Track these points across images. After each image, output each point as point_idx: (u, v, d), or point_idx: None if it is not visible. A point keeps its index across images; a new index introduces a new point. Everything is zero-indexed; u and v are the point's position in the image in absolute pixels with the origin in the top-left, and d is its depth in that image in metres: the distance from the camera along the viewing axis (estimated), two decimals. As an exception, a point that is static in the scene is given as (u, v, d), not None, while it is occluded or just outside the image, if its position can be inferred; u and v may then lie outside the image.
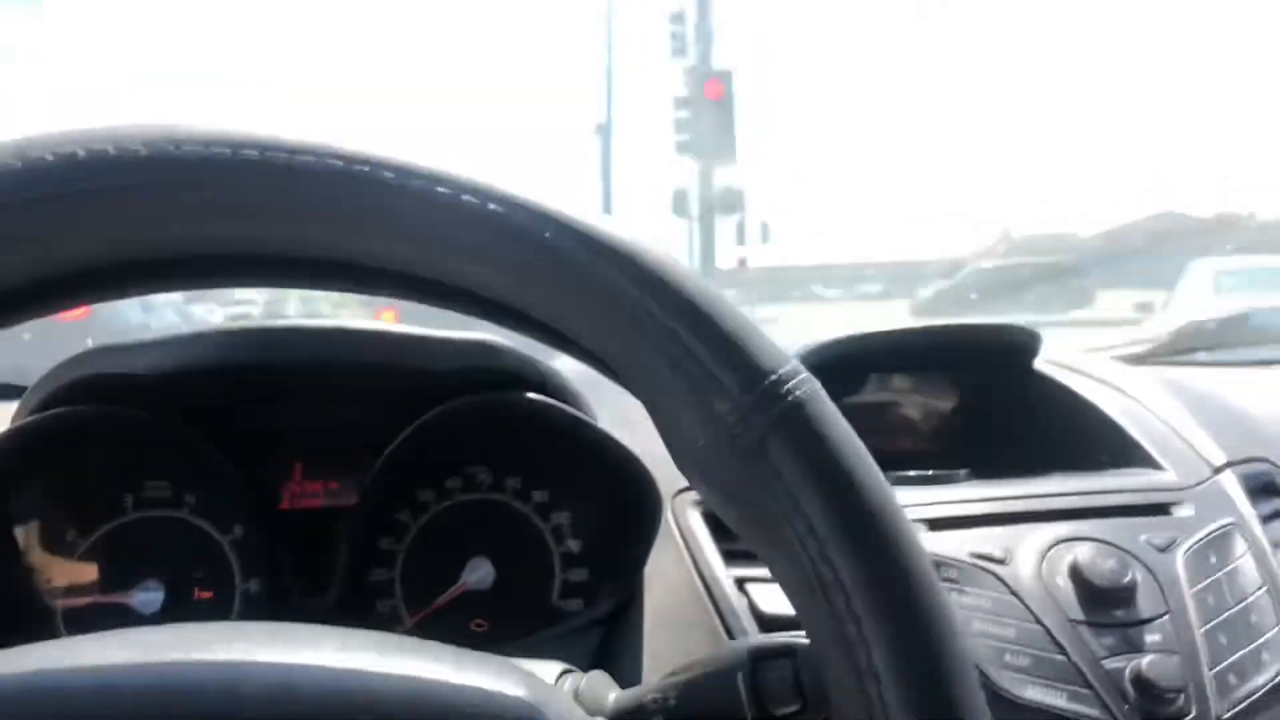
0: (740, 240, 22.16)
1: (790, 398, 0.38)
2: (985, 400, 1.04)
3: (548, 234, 0.37)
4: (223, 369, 0.73)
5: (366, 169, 0.35)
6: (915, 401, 1.06)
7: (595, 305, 0.38)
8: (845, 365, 0.99)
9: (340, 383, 0.76)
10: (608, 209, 28.42)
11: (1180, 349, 1.47)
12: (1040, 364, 1.02)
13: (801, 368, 0.39)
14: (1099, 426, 0.94)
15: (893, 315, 23.05)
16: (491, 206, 0.36)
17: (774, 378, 0.38)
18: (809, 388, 0.40)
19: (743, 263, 22.93)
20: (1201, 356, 1.44)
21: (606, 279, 0.37)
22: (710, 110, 12.84)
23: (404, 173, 0.36)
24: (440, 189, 0.36)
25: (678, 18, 14.52)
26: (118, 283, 0.37)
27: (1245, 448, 0.92)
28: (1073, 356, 1.11)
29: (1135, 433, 0.91)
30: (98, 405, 0.70)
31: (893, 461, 0.95)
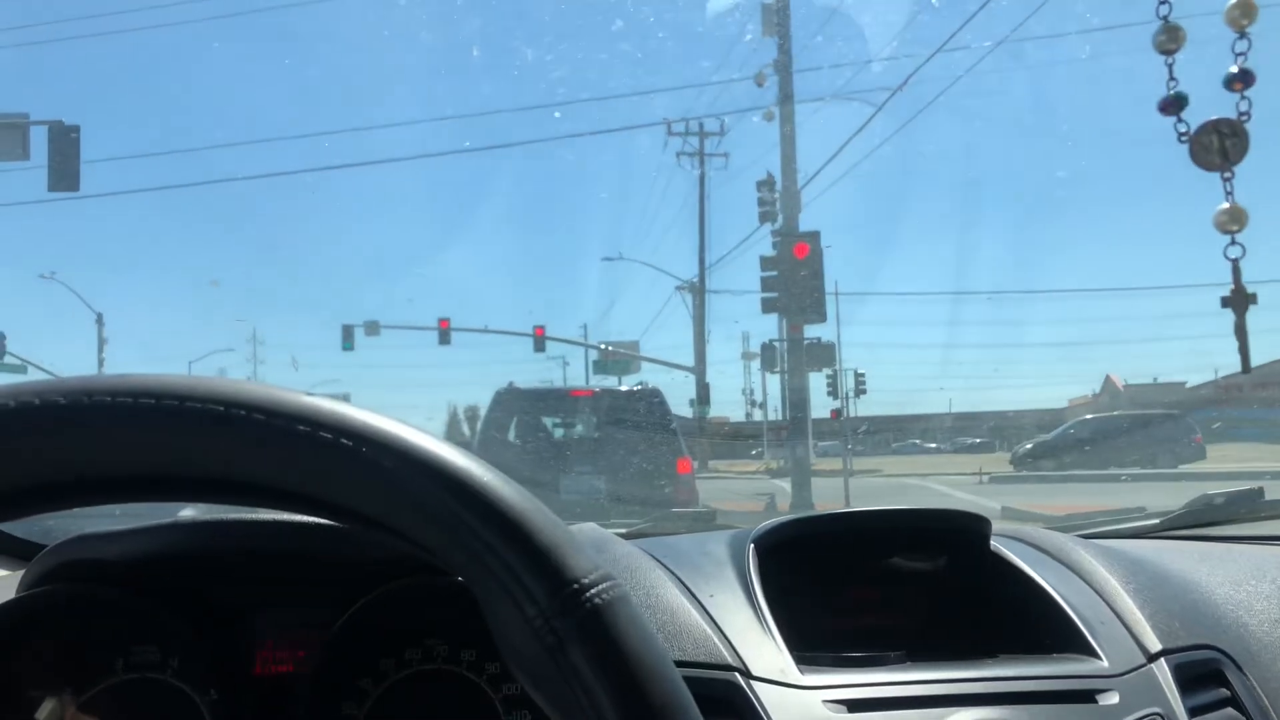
0: (834, 393, 22.02)
1: (590, 604, 0.47)
2: (942, 581, 1.08)
3: (387, 462, 0.48)
4: (191, 555, 0.86)
5: (242, 413, 0.47)
6: (876, 580, 1.11)
7: (429, 521, 0.48)
8: (804, 544, 1.05)
9: (303, 565, 0.87)
10: (701, 361, 28.63)
11: (1190, 523, 1.47)
12: (998, 544, 1.06)
13: (608, 576, 0.48)
14: (1045, 610, 0.97)
15: (993, 467, 22.33)
16: (344, 441, 0.47)
17: (576, 586, 0.47)
18: (611, 594, 0.48)
19: (837, 415, 22.68)
20: (1212, 531, 1.44)
21: (436, 500, 0.47)
22: (798, 269, 13.06)
23: (270, 413, 0.47)
24: (301, 426, 0.47)
25: (765, 184, 15.04)
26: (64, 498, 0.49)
27: (1193, 633, 0.94)
28: (1040, 534, 1.15)
29: (1077, 617, 0.95)
30: (84, 584, 0.83)
31: (849, 639, 1.00)
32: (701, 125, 29.16)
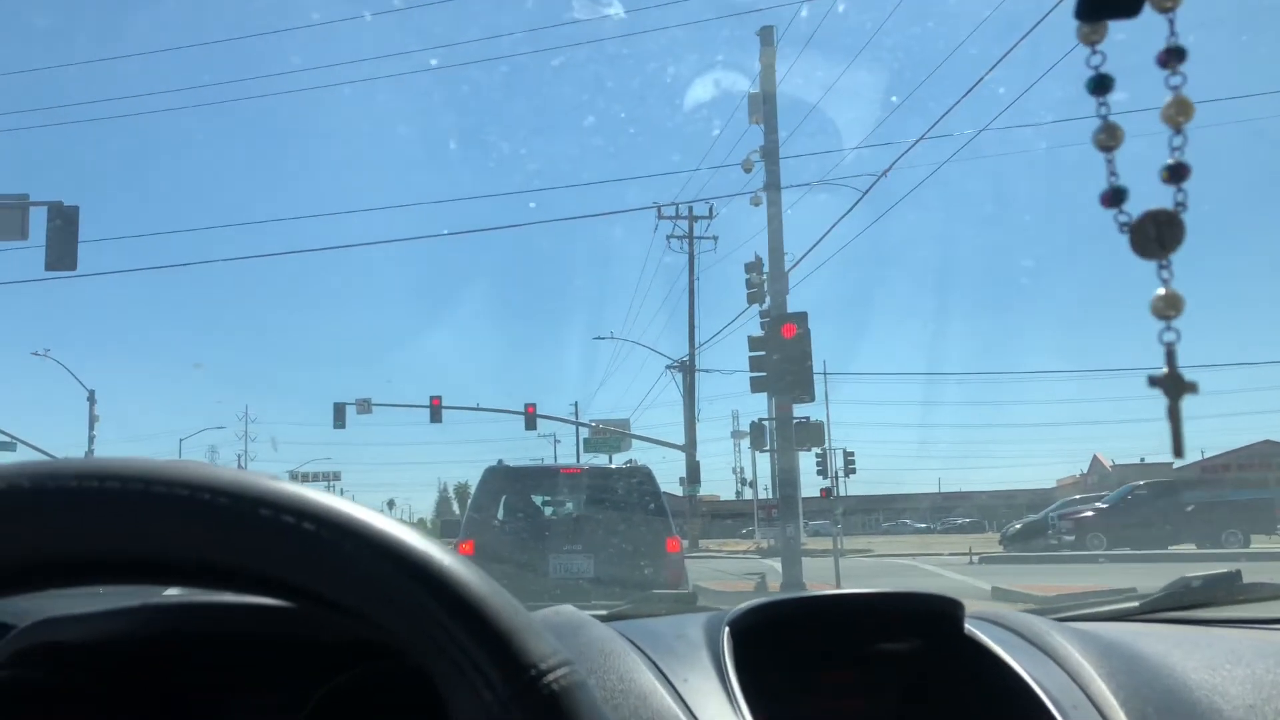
0: (823, 472, 21.95)
1: (546, 690, 0.47)
2: (919, 663, 1.08)
3: (346, 545, 0.48)
4: (160, 638, 0.84)
5: (206, 497, 0.47)
6: (853, 662, 1.10)
7: (386, 604, 0.48)
8: (782, 626, 1.05)
9: (274, 649, 0.86)
10: (691, 440, 28.55)
11: (1169, 606, 1.46)
12: (972, 627, 1.05)
13: (566, 661, 0.48)
14: (1020, 695, 0.97)
15: (983, 547, 22.16)
16: (305, 525, 0.48)
17: (533, 671, 0.47)
18: (568, 680, 0.48)
19: (827, 494, 22.58)
20: (1191, 614, 1.44)
21: (394, 583, 0.47)
22: (786, 350, 13.14)
23: (235, 497, 0.47)
24: (263, 510, 0.47)
25: (752, 266, 15.25)
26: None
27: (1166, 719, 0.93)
28: (1016, 617, 1.14)
29: (1051, 703, 0.94)
30: (48, 670, 0.81)
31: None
32: (691, 209, 29.69)
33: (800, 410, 14.68)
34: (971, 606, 1.25)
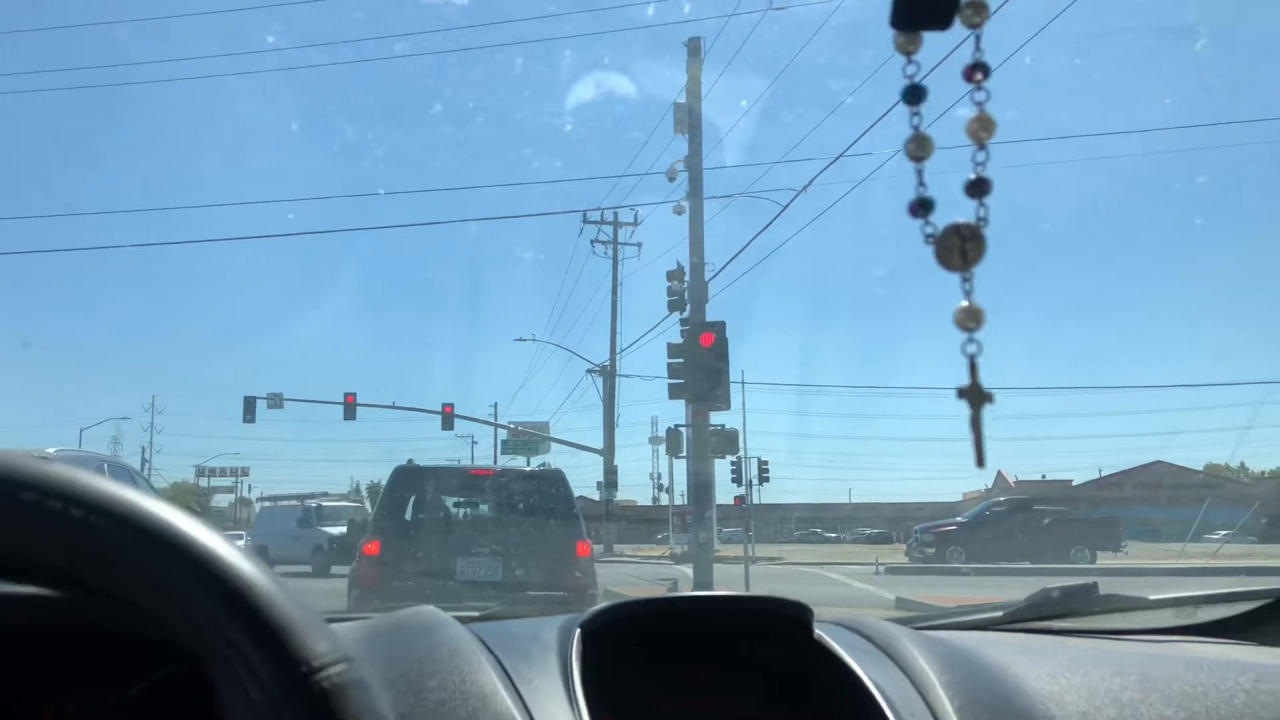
0: (738, 480, 22.19)
1: (318, 688, 0.45)
2: (772, 667, 1.09)
3: (115, 531, 0.46)
4: None
5: None
6: (707, 664, 1.10)
7: (157, 592, 0.46)
8: (632, 628, 1.05)
9: (98, 643, 0.82)
10: (610, 445, 28.56)
11: (1030, 616, 1.51)
12: (821, 633, 1.07)
13: (345, 658, 0.46)
14: (862, 699, 0.98)
15: (888, 557, 22.67)
16: (72, 510, 0.45)
17: (304, 669, 0.45)
18: (345, 678, 0.47)
19: (740, 501, 22.83)
20: (1051, 625, 1.48)
21: (163, 571, 0.45)
22: (703, 358, 13.24)
23: (38, 490, 0.45)
24: (26, 495, 0.45)
25: (674, 274, 15.33)
26: None
27: None
28: (871, 623, 1.16)
29: (889, 708, 0.96)
30: None
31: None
32: (616, 215, 29.76)
33: (717, 418, 14.81)
34: (834, 613, 1.27)
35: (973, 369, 0.52)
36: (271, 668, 0.44)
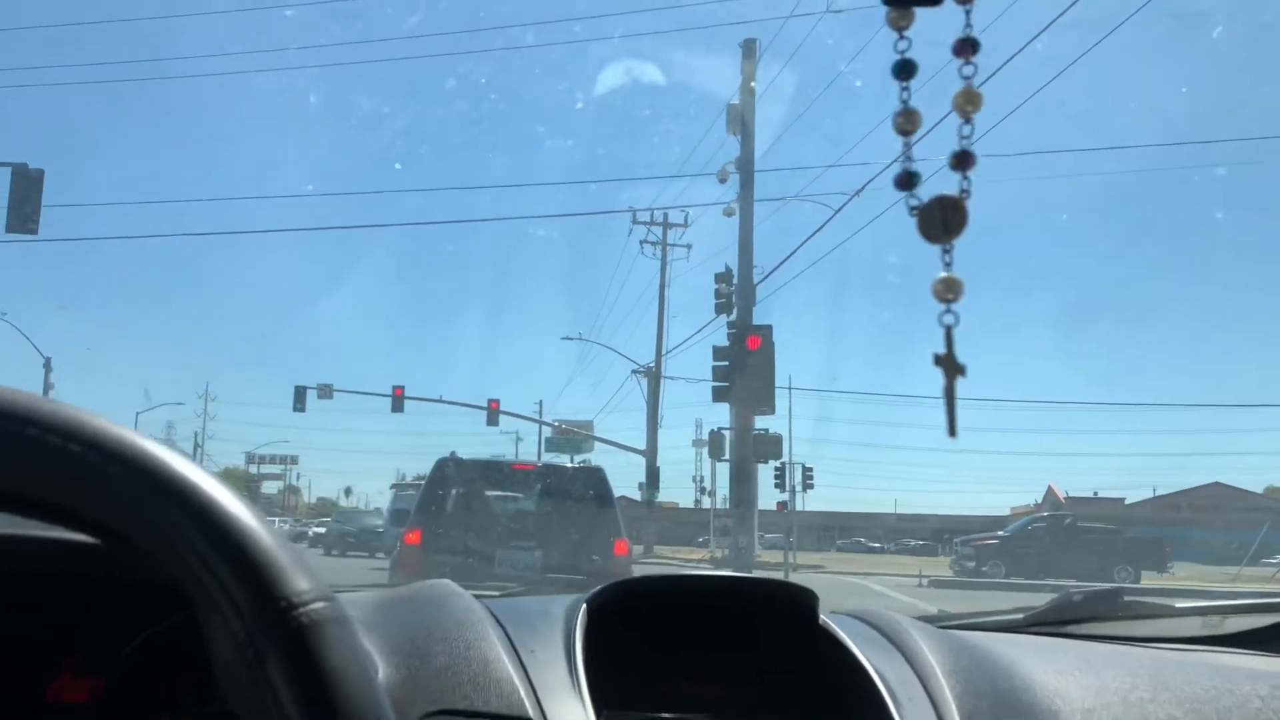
0: (781, 485, 22.05)
1: (296, 622, 0.47)
2: (772, 650, 1.09)
3: (113, 469, 0.48)
4: None
5: None
6: (709, 646, 1.11)
7: (144, 526, 0.48)
8: (639, 604, 1.06)
9: (104, 589, 0.85)
10: (652, 446, 28.53)
11: (1051, 620, 1.49)
12: (827, 620, 1.07)
13: (326, 596, 0.48)
14: (863, 685, 0.98)
15: (933, 570, 22.34)
16: (71, 446, 0.47)
17: (284, 603, 0.47)
18: (323, 614, 0.48)
19: (783, 507, 22.67)
20: (1070, 629, 1.46)
21: (153, 505, 0.47)
22: (749, 361, 13.19)
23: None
24: (29, 430, 0.47)
25: (723, 277, 15.30)
26: None
27: (999, 715, 0.96)
28: (878, 614, 1.16)
29: (888, 694, 0.96)
30: None
31: (673, 702, 1.00)
32: (666, 216, 29.74)
33: (761, 423, 14.75)
34: (843, 603, 1.27)
35: (948, 339, 0.52)
36: (252, 601, 0.46)
